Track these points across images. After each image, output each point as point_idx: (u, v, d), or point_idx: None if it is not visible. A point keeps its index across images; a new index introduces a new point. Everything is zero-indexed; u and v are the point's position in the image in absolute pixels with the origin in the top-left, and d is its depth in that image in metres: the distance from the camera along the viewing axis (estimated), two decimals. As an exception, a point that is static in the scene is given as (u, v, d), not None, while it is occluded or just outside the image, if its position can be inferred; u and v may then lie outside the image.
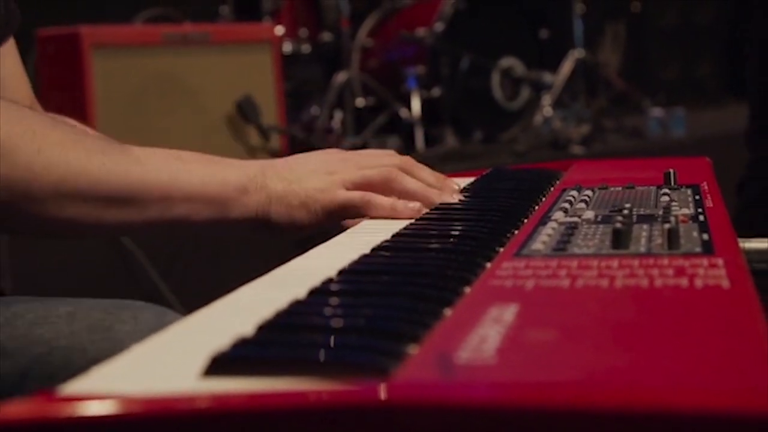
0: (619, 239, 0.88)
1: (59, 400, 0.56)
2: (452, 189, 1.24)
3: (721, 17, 7.27)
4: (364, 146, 4.26)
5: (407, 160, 1.25)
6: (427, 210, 1.19)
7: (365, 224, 1.15)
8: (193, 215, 1.10)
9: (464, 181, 1.40)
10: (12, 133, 0.98)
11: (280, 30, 4.40)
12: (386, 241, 0.98)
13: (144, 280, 3.07)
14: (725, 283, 0.74)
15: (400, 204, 1.18)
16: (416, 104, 4.30)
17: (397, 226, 1.06)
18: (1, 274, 2.84)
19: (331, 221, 1.18)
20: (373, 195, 1.18)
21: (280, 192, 1.15)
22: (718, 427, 0.51)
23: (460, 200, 1.22)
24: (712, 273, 0.77)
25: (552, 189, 1.28)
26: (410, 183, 1.21)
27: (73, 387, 0.59)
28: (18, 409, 0.55)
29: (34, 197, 1.00)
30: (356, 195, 1.17)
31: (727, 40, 7.31)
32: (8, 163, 0.98)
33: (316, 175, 1.18)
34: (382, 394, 0.54)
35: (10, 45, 1.28)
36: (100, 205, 1.04)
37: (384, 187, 1.20)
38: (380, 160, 1.23)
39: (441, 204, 1.20)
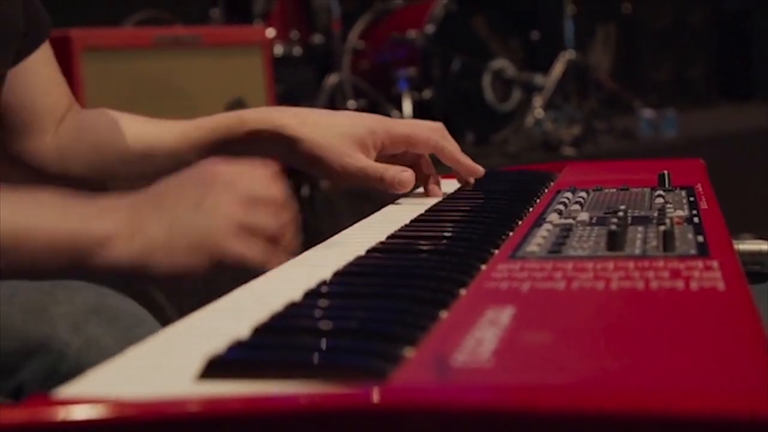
0: (615, 241, 0.88)
1: (54, 404, 0.56)
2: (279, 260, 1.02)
3: (713, 18, 7.29)
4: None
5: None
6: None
7: (359, 225, 1.15)
8: (50, 264, 0.94)
9: (458, 184, 1.40)
10: None
11: (271, 32, 4.40)
12: (381, 242, 0.97)
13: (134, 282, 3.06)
14: (720, 285, 0.74)
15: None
16: (407, 106, 4.30)
17: (392, 227, 1.06)
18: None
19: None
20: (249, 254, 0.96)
21: (161, 238, 0.94)
22: (715, 430, 0.51)
23: (454, 202, 1.23)
24: (708, 275, 0.77)
25: (546, 191, 1.28)
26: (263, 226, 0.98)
27: (67, 390, 0.59)
28: (12, 413, 0.55)
29: None
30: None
31: (720, 41, 7.33)
32: None
33: (201, 214, 0.96)
34: (378, 397, 0.54)
35: (45, 50, 1.27)
36: None
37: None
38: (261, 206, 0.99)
39: (435, 206, 1.20)
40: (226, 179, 0.97)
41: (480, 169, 1.36)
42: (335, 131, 1.26)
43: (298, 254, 0.97)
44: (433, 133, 1.31)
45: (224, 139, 1.26)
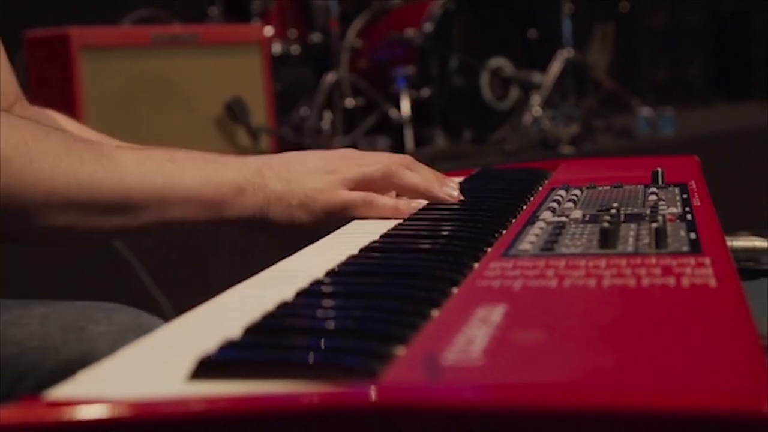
0: (607, 239, 0.88)
1: (47, 405, 0.56)
2: (453, 185, 1.24)
3: (711, 18, 7.29)
4: (354, 146, 4.26)
5: (407, 157, 1.25)
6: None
7: (353, 225, 1.15)
8: (189, 218, 1.08)
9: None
10: (6, 144, 0.98)
11: (269, 31, 4.40)
12: (374, 241, 0.98)
13: (134, 282, 3.07)
14: (712, 283, 0.74)
15: (403, 204, 1.17)
16: (406, 105, 4.30)
17: (385, 226, 1.06)
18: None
19: (331, 221, 1.16)
20: (375, 196, 1.17)
21: (279, 193, 1.13)
22: (707, 427, 0.51)
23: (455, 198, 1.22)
24: (700, 272, 0.77)
25: (540, 188, 1.28)
26: (411, 177, 1.21)
27: (60, 391, 0.59)
28: (6, 414, 0.55)
29: (24, 208, 0.99)
30: (358, 196, 1.16)
31: (717, 40, 7.33)
32: (1, 174, 0.98)
33: (316, 174, 1.16)
34: (370, 396, 0.54)
35: None
36: (94, 213, 1.03)
37: (385, 183, 1.19)
38: (380, 158, 1.22)
39: (429, 204, 1.20)
40: (346, 153, 1.21)
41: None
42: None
43: (293, 253, 0.98)
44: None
45: None
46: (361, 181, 1.17)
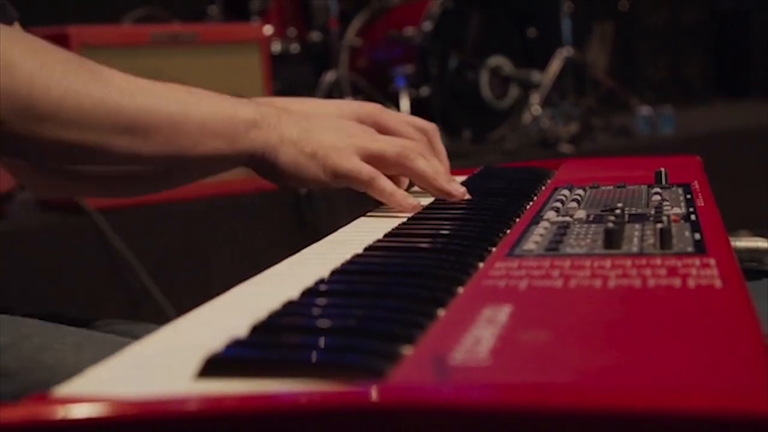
0: (612, 239, 0.88)
1: (53, 402, 0.56)
2: (460, 186, 1.24)
3: (710, 16, 7.29)
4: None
5: (426, 147, 1.27)
6: (434, 198, 1.21)
7: (357, 223, 1.15)
8: (200, 146, 1.09)
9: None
10: (12, 48, 0.97)
11: (268, 30, 4.40)
12: (379, 240, 0.98)
13: (134, 281, 3.07)
14: (718, 283, 0.74)
15: (400, 195, 1.18)
16: (405, 103, 4.30)
17: (390, 225, 1.06)
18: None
19: (332, 184, 1.18)
20: (379, 176, 1.17)
21: (294, 136, 1.15)
22: (713, 427, 0.51)
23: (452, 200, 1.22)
24: (705, 273, 0.77)
25: (543, 188, 1.28)
26: (422, 165, 1.21)
27: (66, 389, 0.59)
28: (11, 411, 0.55)
29: (35, 115, 0.97)
30: (364, 169, 1.17)
31: (717, 38, 7.34)
32: (8, 77, 0.96)
33: (336, 133, 1.18)
34: (377, 395, 0.54)
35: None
36: (105, 130, 1.02)
37: (397, 165, 1.20)
38: (397, 141, 1.23)
39: (433, 203, 1.20)
40: (367, 128, 1.24)
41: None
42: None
43: (296, 252, 0.98)
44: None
45: None
46: (375, 156, 1.18)
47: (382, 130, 1.29)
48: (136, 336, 1.13)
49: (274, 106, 1.18)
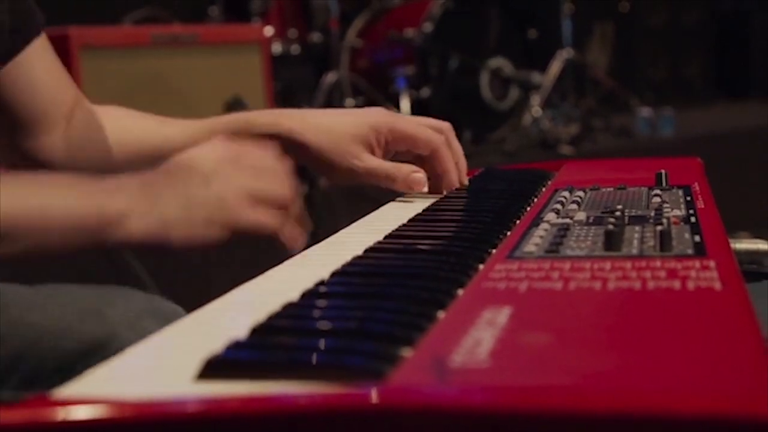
0: (612, 241, 0.88)
1: (54, 404, 0.56)
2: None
3: (710, 17, 7.29)
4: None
5: (445, 145, 1.32)
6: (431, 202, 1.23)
7: (357, 225, 1.15)
8: (67, 244, 0.98)
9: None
10: None
11: (269, 31, 4.40)
12: (379, 242, 0.98)
13: (134, 282, 3.07)
14: (717, 285, 0.74)
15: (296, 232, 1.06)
16: (405, 104, 4.30)
17: (390, 227, 1.06)
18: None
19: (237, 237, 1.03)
20: (283, 224, 1.04)
21: (176, 213, 0.98)
22: (712, 430, 0.51)
23: (451, 202, 1.23)
24: (705, 275, 0.77)
25: (543, 190, 1.28)
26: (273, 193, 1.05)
27: (67, 391, 0.59)
28: (12, 412, 0.55)
29: None
30: (263, 218, 1.02)
31: (717, 39, 7.34)
32: None
33: (219, 183, 1.01)
34: (377, 397, 0.54)
35: (41, 45, 1.26)
36: None
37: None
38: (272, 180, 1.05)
39: (433, 205, 1.21)
40: (232, 154, 1.03)
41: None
42: (339, 132, 1.27)
43: (296, 254, 0.98)
44: (436, 136, 1.31)
45: None
46: (261, 198, 1.03)
47: (400, 137, 1.30)
48: (113, 290, 1.14)
49: (145, 184, 1.00)
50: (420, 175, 1.28)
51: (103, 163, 1.30)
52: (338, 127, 1.29)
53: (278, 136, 1.26)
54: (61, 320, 1.10)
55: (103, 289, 1.15)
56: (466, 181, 1.33)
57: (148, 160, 1.28)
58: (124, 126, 1.32)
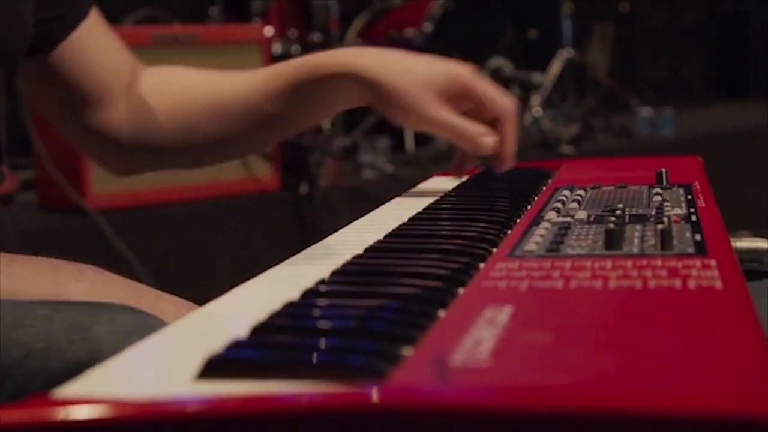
0: (612, 240, 0.88)
1: (53, 404, 0.56)
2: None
3: (710, 17, 7.30)
4: (354, 146, 4.26)
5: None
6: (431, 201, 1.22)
7: (357, 223, 1.15)
8: None
9: (456, 181, 1.40)
10: None
11: (269, 31, 4.40)
12: (379, 241, 0.97)
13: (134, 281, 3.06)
14: (718, 284, 0.74)
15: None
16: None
17: (391, 225, 1.06)
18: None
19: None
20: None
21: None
22: (713, 429, 0.51)
23: (452, 200, 1.23)
24: (706, 274, 0.77)
25: (544, 188, 1.28)
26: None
27: (67, 390, 0.59)
28: (12, 412, 0.54)
29: None
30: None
31: (717, 39, 7.34)
32: None
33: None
34: (378, 396, 0.54)
35: (92, 21, 1.27)
36: None
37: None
38: None
39: (433, 204, 1.20)
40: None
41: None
42: (417, 78, 1.24)
43: (297, 253, 0.98)
44: (508, 101, 1.28)
45: (303, 86, 1.27)
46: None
47: (472, 91, 1.27)
48: (101, 307, 1.14)
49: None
50: (491, 139, 1.25)
51: (172, 127, 1.31)
52: (416, 70, 1.25)
53: (352, 75, 1.24)
54: (47, 339, 1.10)
55: (90, 306, 1.15)
56: (511, 164, 1.29)
57: (216, 115, 1.29)
58: (185, 84, 1.33)
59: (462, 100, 1.27)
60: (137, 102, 1.31)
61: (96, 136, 1.31)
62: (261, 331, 0.68)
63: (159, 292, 1.14)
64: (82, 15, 1.27)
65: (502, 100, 1.28)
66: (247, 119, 1.29)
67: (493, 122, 1.28)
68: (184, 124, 1.31)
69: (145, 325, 1.18)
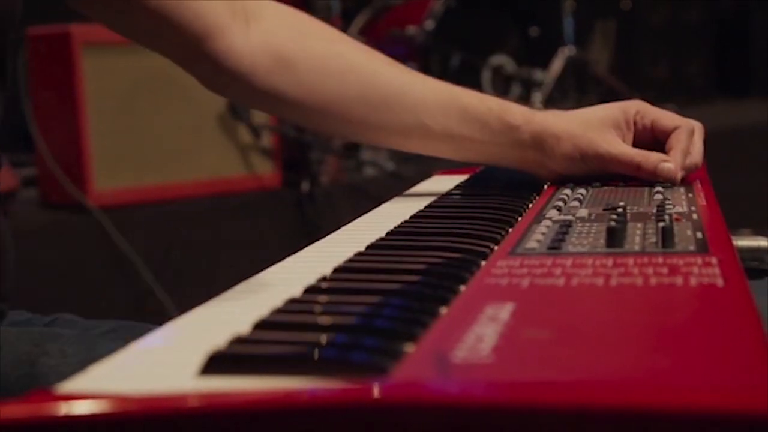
0: (614, 238, 0.88)
1: (54, 399, 0.56)
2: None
3: (711, 15, 7.29)
4: (356, 143, 4.26)
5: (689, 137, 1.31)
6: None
7: (359, 221, 1.15)
8: None
9: (457, 179, 1.40)
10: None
11: (270, 28, 4.39)
12: (381, 238, 0.98)
13: (137, 280, 3.07)
14: (719, 282, 0.74)
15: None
16: (407, 102, 4.30)
17: (393, 222, 1.06)
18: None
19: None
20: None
21: None
22: (714, 426, 0.51)
23: (453, 198, 1.23)
24: (707, 272, 0.77)
25: (545, 186, 1.28)
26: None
27: (69, 386, 0.59)
28: (12, 408, 0.55)
29: None
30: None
31: (718, 38, 7.33)
32: None
33: None
34: (380, 393, 0.54)
35: None
36: None
37: None
38: None
39: (434, 202, 1.21)
40: None
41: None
42: (588, 117, 1.28)
43: (299, 250, 0.98)
44: (686, 120, 1.30)
45: (485, 133, 1.29)
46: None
47: (647, 115, 1.29)
48: (53, 336, 1.12)
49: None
50: (670, 165, 1.23)
51: (316, 88, 1.34)
52: (587, 114, 1.28)
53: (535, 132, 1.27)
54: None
55: (43, 336, 1.12)
56: (679, 176, 1.25)
57: (381, 106, 1.34)
58: (348, 60, 1.44)
59: (642, 126, 1.30)
60: (273, 49, 1.30)
61: (216, 69, 1.29)
62: (263, 327, 0.68)
63: None
64: None
65: (674, 116, 1.30)
66: (407, 121, 1.31)
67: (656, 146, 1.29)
68: (334, 94, 1.35)
69: (95, 357, 1.16)
